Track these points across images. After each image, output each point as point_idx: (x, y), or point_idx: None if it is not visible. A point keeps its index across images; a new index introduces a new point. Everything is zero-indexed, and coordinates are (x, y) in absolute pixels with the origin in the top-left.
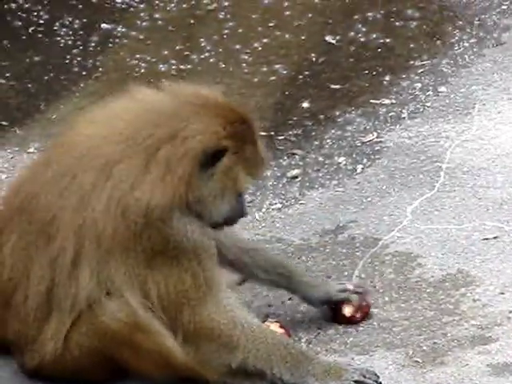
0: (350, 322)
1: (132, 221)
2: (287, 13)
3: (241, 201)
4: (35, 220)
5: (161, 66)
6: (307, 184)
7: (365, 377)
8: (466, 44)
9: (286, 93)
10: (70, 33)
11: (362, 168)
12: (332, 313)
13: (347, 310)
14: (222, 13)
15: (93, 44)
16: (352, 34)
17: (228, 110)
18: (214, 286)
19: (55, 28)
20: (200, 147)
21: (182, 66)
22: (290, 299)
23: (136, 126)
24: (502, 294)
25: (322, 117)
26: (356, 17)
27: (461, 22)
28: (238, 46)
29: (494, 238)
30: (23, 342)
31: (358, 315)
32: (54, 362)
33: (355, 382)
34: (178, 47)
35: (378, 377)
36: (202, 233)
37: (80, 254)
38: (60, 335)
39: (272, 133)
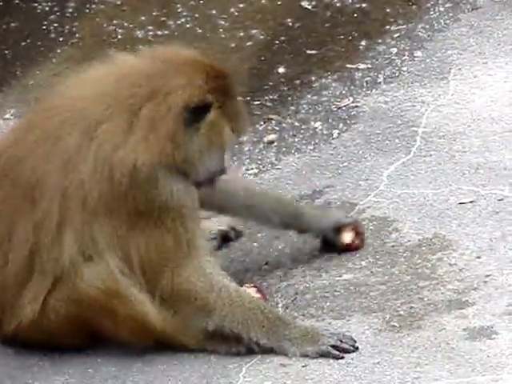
0: (350, 248)
1: (117, 181)
2: None
3: (223, 158)
4: (19, 184)
5: (137, 32)
6: (283, 149)
7: (341, 341)
8: (442, 8)
9: (262, 58)
10: None
11: (338, 133)
12: (325, 244)
13: (347, 237)
14: None
15: (70, 10)
16: None
17: (208, 66)
18: (195, 248)
19: None
20: (183, 102)
21: (158, 32)
22: (266, 264)
23: (117, 87)
24: (479, 258)
25: (297, 82)
26: None
27: None
28: (214, 11)
29: (470, 202)
30: (0, 306)
31: (357, 241)
32: (30, 327)
33: (332, 346)
34: (154, 13)
35: (355, 341)
36: (188, 192)
37: (65, 217)
38: (38, 299)
39: (248, 98)
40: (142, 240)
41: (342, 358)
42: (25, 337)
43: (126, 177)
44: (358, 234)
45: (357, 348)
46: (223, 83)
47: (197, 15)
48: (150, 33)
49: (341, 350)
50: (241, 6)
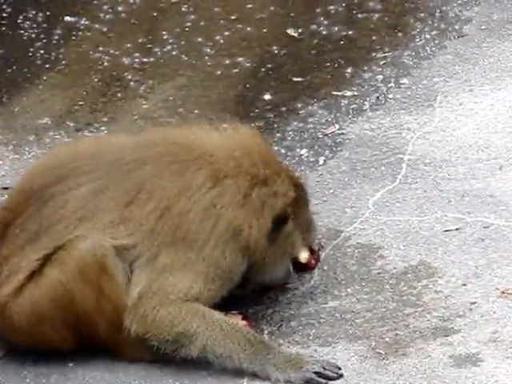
0: (307, 267)
1: (218, 228)
2: (249, 6)
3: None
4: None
5: (124, 59)
6: None
7: (325, 369)
8: (428, 36)
9: (248, 85)
10: (34, 25)
11: (324, 160)
12: None
13: (303, 257)
14: (185, 6)
15: (56, 37)
16: (314, 26)
17: (293, 177)
18: (198, 295)
19: (19, 21)
20: (278, 208)
21: (144, 59)
22: (253, 290)
23: (244, 154)
24: (464, 285)
25: (283, 109)
26: (318, 10)
27: (422, 14)
28: (200, 39)
29: (456, 229)
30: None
31: (313, 261)
32: (16, 295)
33: (315, 373)
34: (140, 40)
35: (340, 369)
36: (241, 265)
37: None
38: (30, 268)
39: (226, 124)
40: (166, 252)
41: None
42: (9, 313)
43: (228, 232)
44: (313, 252)
45: (341, 375)
46: (299, 195)
47: (182, 42)
48: (136, 60)
49: (325, 377)
50: (226, 33)
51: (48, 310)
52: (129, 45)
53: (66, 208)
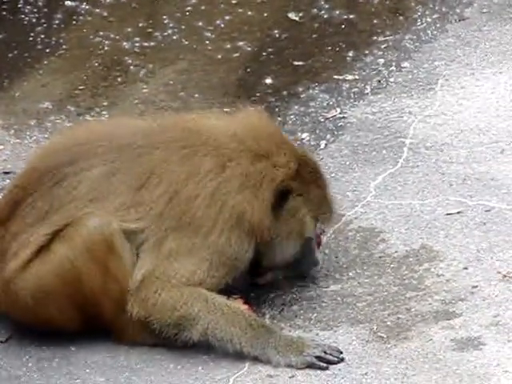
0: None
1: (223, 215)
2: None
3: (309, 247)
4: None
5: (124, 43)
6: None
7: (326, 353)
8: (429, 19)
9: (249, 69)
10: (34, 10)
11: (326, 144)
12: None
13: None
14: None
15: (56, 21)
16: (315, 10)
17: (299, 153)
18: (202, 280)
19: (19, 5)
20: (279, 180)
21: (145, 43)
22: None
23: (247, 133)
24: (466, 268)
25: (285, 93)
26: None
27: None
28: (200, 23)
29: (458, 213)
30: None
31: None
32: (22, 272)
33: (316, 357)
34: (141, 24)
35: (341, 353)
36: (244, 252)
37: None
38: (38, 243)
39: (235, 109)
40: (172, 237)
41: (327, 368)
42: (15, 288)
43: (232, 218)
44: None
45: (342, 359)
46: (307, 171)
47: (183, 27)
48: (137, 44)
49: (326, 361)
50: (227, 17)
51: (53, 287)
52: (129, 29)
53: (78, 189)
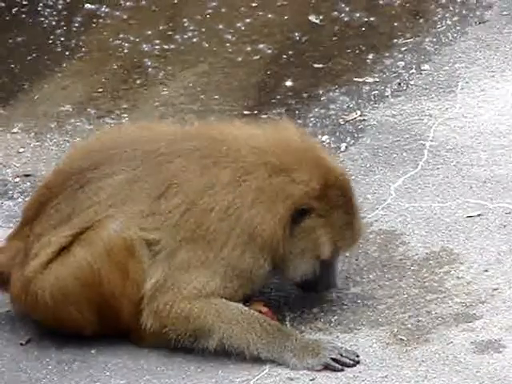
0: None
1: (236, 229)
2: None
3: (327, 270)
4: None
5: (144, 46)
6: None
7: (342, 355)
8: (449, 22)
9: (270, 72)
10: (54, 13)
11: (346, 146)
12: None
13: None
14: None
15: (76, 24)
16: (335, 13)
17: (330, 173)
18: (215, 291)
19: (39, 8)
20: (297, 197)
21: (165, 46)
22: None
23: (271, 146)
24: (486, 271)
25: (305, 95)
26: None
27: (443, 0)
28: (221, 26)
29: (478, 215)
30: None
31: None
32: (44, 270)
33: (333, 359)
34: (161, 27)
35: (358, 356)
36: (262, 267)
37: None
38: (59, 242)
39: (256, 112)
40: (186, 249)
41: (342, 370)
42: (35, 288)
43: (245, 233)
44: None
45: (358, 362)
46: (335, 193)
47: (203, 29)
48: (157, 47)
49: (341, 363)
50: (248, 20)
51: (73, 289)
52: (149, 32)
53: (99, 195)
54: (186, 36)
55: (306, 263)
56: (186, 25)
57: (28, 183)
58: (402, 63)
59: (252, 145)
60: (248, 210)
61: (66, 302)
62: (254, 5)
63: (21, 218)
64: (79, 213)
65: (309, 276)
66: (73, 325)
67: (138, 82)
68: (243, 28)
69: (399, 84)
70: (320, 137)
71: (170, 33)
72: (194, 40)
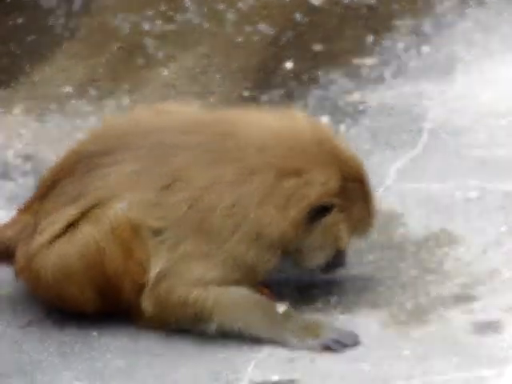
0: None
1: (242, 227)
2: None
3: (340, 253)
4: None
5: (145, 27)
6: None
7: (342, 336)
8: (448, 4)
9: (269, 54)
10: None
11: (345, 128)
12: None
13: None
14: None
15: (76, 5)
16: None
17: (347, 165)
18: (218, 272)
19: None
20: (312, 199)
21: (165, 27)
22: None
23: (281, 144)
24: (485, 252)
25: (305, 77)
26: None
27: None
28: (222, 6)
29: (477, 197)
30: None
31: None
32: (47, 248)
33: (333, 340)
34: (162, 8)
35: (357, 337)
36: (268, 261)
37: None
38: (66, 219)
39: (255, 93)
40: (190, 240)
41: (343, 351)
42: (37, 265)
43: (252, 232)
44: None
45: (358, 343)
46: (354, 187)
47: (205, 10)
48: (157, 28)
49: (342, 344)
50: (249, 0)
51: (76, 266)
52: (150, 12)
53: (105, 180)
54: (186, 16)
55: (323, 254)
56: (187, 5)
57: (29, 165)
58: (401, 45)
59: (261, 142)
60: (255, 209)
61: (67, 279)
62: None
63: (34, 192)
64: (85, 195)
65: (323, 263)
66: (74, 303)
67: (139, 63)
68: (244, 8)
69: (398, 66)
70: (320, 118)
71: (170, 13)
72: (195, 21)
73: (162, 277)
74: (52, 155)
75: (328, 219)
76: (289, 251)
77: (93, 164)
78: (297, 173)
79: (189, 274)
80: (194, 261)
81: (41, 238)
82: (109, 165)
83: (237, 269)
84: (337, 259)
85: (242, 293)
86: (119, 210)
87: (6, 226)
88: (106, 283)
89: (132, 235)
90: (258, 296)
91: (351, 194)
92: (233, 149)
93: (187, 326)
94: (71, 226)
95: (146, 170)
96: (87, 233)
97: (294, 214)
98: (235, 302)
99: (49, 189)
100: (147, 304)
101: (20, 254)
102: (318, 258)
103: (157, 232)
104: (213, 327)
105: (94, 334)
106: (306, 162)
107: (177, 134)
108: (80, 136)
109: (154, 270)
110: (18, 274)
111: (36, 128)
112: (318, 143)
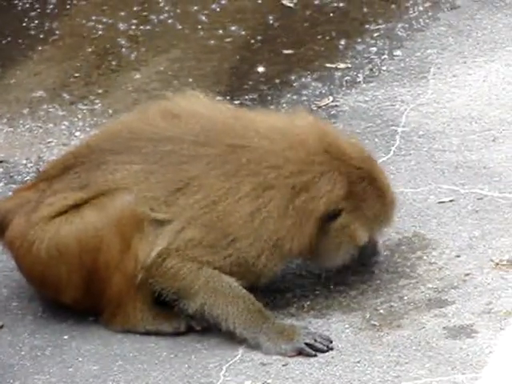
0: None
1: (260, 235)
2: None
3: (373, 244)
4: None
5: (118, 29)
6: None
7: (316, 341)
8: (421, 8)
9: (242, 57)
10: None
11: None
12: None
13: None
14: None
15: (50, 7)
16: None
17: (353, 167)
18: (221, 264)
19: None
20: (323, 210)
21: (139, 31)
22: None
23: (288, 159)
24: (458, 256)
25: (277, 81)
26: None
27: None
28: (195, 8)
29: (450, 201)
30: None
31: None
32: (46, 223)
33: (306, 344)
34: (135, 8)
35: (331, 342)
36: (275, 266)
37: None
38: (73, 199)
39: (228, 97)
40: (200, 229)
41: (315, 356)
42: (33, 236)
43: (269, 242)
44: None
45: (331, 348)
46: (361, 187)
47: (178, 11)
48: (131, 32)
49: (315, 349)
50: (223, 2)
51: (72, 247)
52: (123, 13)
53: (114, 175)
54: (161, 17)
55: (343, 254)
56: (161, 5)
57: (1, 169)
58: (374, 49)
59: (274, 157)
60: (274, 222)
61: (59, 260)
62: None
63: (39, 175)
64: (95, 184)
65: (348, 261)
66: (55, 286)
67: (111, 67)
68: (218, 10)
69: (371, 70)
70: None
71: (144, 13)
72: (169, 21)
73: (162, 253)
74: (23, 160)
75: (338, 223)
76: (306, 256)
77: (102, 159)
78: (306, 188)
79: (188, 251)
80: (197, 243)
81: (44, 211)
82: (119, 162)
83: (237, 265)
84: (370, 250)
85: (232, 284)
86: (126, 201)
87: (6, 199)
88: (95, 272)
89: (134, 228)
90: (246, 292)
91: (360, 193)
92: (247, 163)
93: (169, 297)
94: (76, 207)
95: (156, 172)
96: (89, 218)
97: (309, 229)
98: (222, 288)
99: (60, 172)
100: (139, 271)
101: (16, 223)
102: (337, 259)
103: (162, 222)
104: (193, 307)
105: (66, 337)
106: (314, 175)
107: (189, 144)
108: (51, 141)
109: (155, 249)
110: (8, 243)
111: (7, 132)
112: (324, 151)
